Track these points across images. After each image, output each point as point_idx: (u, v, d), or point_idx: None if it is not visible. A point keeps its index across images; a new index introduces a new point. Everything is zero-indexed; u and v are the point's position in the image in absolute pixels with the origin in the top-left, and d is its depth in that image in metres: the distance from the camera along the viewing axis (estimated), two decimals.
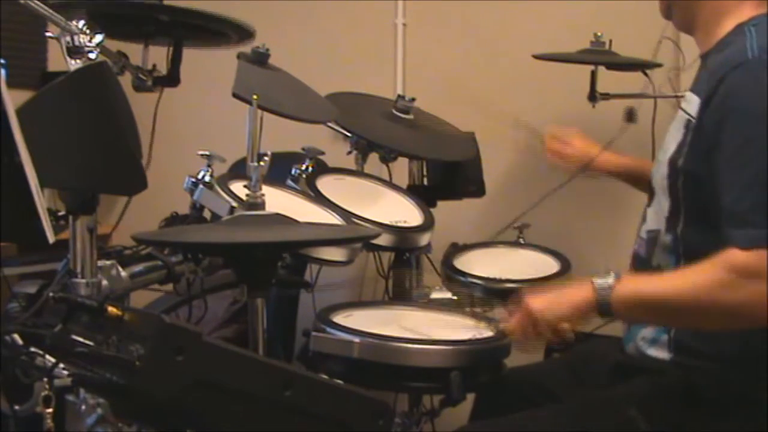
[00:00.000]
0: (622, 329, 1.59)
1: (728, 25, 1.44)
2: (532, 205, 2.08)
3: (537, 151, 2.10)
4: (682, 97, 1.53)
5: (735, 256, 1.29)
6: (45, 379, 1.26)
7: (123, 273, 1.59)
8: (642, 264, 1.52)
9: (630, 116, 2.30)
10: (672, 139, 1.47)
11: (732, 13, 1.45)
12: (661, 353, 1.46)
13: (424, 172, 2.42)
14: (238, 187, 1.71)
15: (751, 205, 1.30)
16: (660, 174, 1.49)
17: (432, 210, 2.12)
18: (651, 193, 1.56)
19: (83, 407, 1.42)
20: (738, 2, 1.45)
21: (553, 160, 2.07)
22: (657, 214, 1.51)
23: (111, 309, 1.12)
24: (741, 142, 1.32)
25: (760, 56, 1.34)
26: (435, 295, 2.06)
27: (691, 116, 1.41)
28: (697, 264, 1.33)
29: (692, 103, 1.43)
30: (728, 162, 1.34)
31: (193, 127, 3.04)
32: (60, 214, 1.53)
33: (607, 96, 2.44)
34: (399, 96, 2.28)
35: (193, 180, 1.77)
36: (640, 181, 1.86)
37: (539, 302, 1.46)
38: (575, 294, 1.43)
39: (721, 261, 1.30)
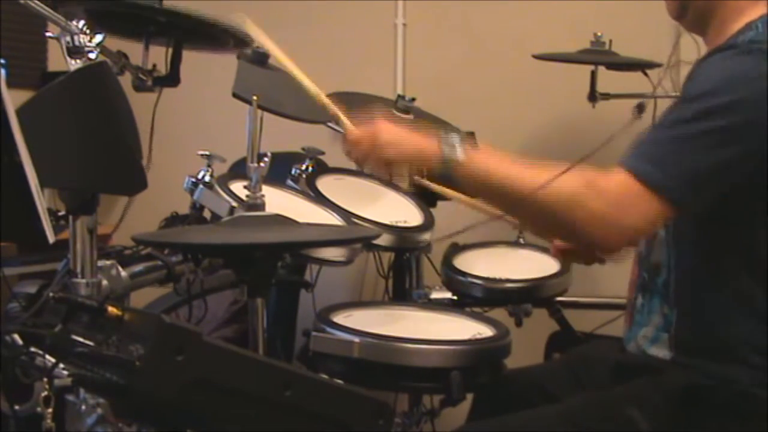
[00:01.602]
0: (623, 330, 1.59)
1: (740, 23, 1.44)
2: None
3: None
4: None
5: (598, 176, 1.31)
6: (45, 379, 1.26)
7: (123, 273, 1.59)
8: (643, 261, 1.52)
9: (640, 109, 2.29)
10: None
11: (747, 12, 1.44)
12: (661, 352, 1.46)
13: (424, 172, 2.42)
14: (238, 187, 1.71)
15: (654, 141, 1.32)
16: None
17: (432, 210, 2.11)
18: None
19: (83, 407, 1.41)
20: (754, 2, 1.45)
21: None
22: None
23: (111, 309, 1.12)
24: (684, 105, 1.34)
25: (747, 44, 1.35)
26: (435, 295, 2.07)
27: None
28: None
29: None
30: (663, 113, 1.36)
31: (193, 127, 3.04)
32: (60, 214, 1.53)
33: (607, 96, 2.45)
34: (399, 96, 2.28)
35: (193, 180, 1.77)
36: None
37: (387, 133, 1.46)
38: (423, 139, 1.42)
39: (581, 175, 1.31)
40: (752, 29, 1.40)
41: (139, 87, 1.72)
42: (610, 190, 1.30)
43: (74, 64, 1.42)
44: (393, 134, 1.46)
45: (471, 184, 1.44)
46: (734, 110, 1.30)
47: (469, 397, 1.65)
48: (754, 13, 1.44)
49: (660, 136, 1.33)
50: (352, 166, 2.27)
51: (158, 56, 1.77)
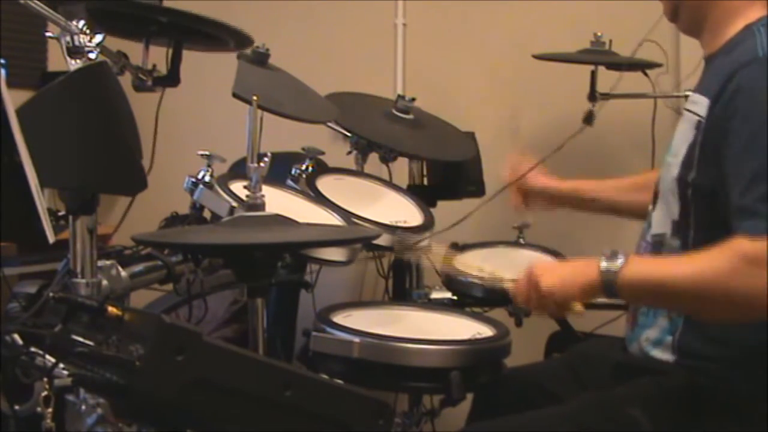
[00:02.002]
0: (624, 329, 1.59)
1: (737, 26, 1.44)
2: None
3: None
4: (681, 97, 1.52)
5: (743, 244, 1.28)
6: (45, 379, 1.26)
7: (123, 273, 1.59)
8: None
9: (588, 119, 2.30)
10: (682, 141, 1.45)
11: (742, 13, 1.44)
12: (665, 355, 1.46)
13: (424, 172, 2.42)
14: (238, 187, 1.71)
15: (759, 196, 1.29)
16: (670, 176, 1.47)
17: (432, 210, 2.11)
18: (655, 197, 1.55)
19: (83, 407, 1.41)
20: (748, 3, 1.44)
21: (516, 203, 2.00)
22: (663, 218, 1.50)
23: (111, 309, 1.12)
24: (748, 136, 1.32)
25: None
26: (435, 295, 2.07)
27: (701, 117, 1.41)
28: (703, 251, 1.33)
29: (700, 104, 1.42)
30: (735, 156, 1.34)
31: (193, 127, 3.04)
32: (60, 214, 1.53)
33: (607, 96, 2.44)
34: (399, 96, 2.28)
35: (193, 180, 1.76)
36: (590, 205, 1.90)
37: (549, 279, 1.44)
38: (582, 275, 1.42)
39: (729, 248, 1.29)
40: (754, 33, 1.39)
41: (139, 87, 1.72)
42: (759, 254, 1.27)
43: (74, 64, 1.42)
44: (552, 279, 1.45)
45: (640, 297, 1.45)
46: None
47: (470, 396, 1.65)
48: (750, 14, 1.43)
49: (759, 187, 1.30)
50: (352, 166, 2.28)
51: (158, 56, 1.77)
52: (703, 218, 1.43)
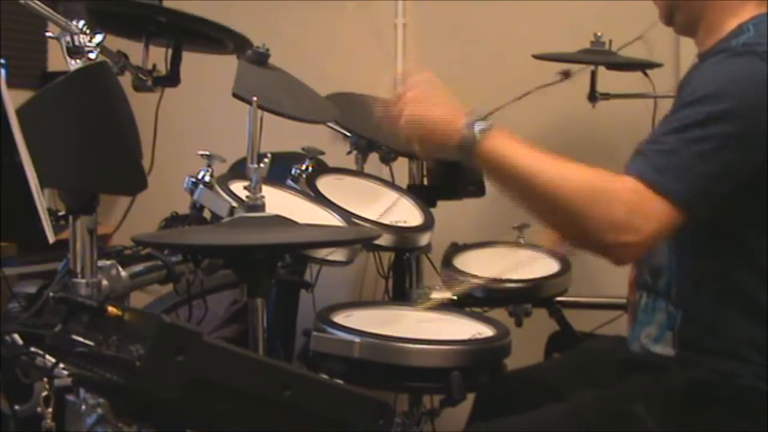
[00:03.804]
0: (627, 329, 1.59)
1: (730, 25, 1.44)
2: None
3: None
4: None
5: (626, 181, 1.30)
6: (45, 379, 1.26)
7: (123, 273, 1.59)
8: (644, 263, 1.52)
9: (566, 75, 2.30)
10: None
11: (736, 12, 1.45)
12: (665, 350, 1.46)
13: (424, 172, 2.42)
14: (238, 187, 1.71)
15: (653, 142, 1.32)
16: None
17: (432, 210, 2.12)
18: None
19: (83, 407, 1.41)
20: (743, 2, 1.45)
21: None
22: None
23: (111, 309, 1.12)
24: (685, 110, 1.34)
25: (742, 47, 1.36)
26: (435, 295, 2.07)
27: None
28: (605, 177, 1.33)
29: None
30: (664, 119, 1.36)
31: (193, 127, 3.04)
32: (60, 214, 1.53)
33: (607, 96, 2.45)
34: None
35: (193, 180, 1.76)
36: None
37: (419, 92, 1.43)
38: (448, 116, 1.40)
39: (623, 179, 1.30)
40: (744, 32, 1.40)
41: (139, 87, 1.72)
42: (624, 198, 1.29)
43: (74, 64, 1.42)
44: (421, 101, 1.42)
45: (488, 167, 1.40)
46: (736, 115, 1.30)
47: (470, 396, 1.65)
48: (745, 13, 1.44)
49: (666, 142, 1.33)
50: (352, 166, 2.28)
51: (158, 56, 1.77)
52: None
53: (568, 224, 1.34)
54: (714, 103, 1.31)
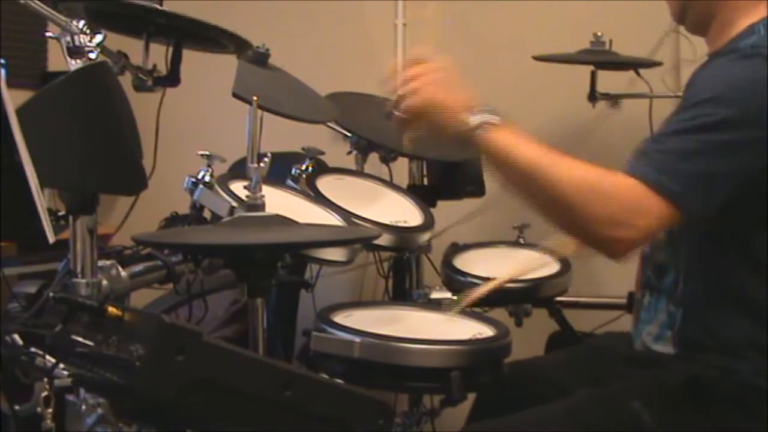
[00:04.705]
0: (626, 327, 1.59)
1: (742, 25, 1.44)
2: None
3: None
4: (681, 97, 1.53)
5: (619, 177, 1.31)
6: (45, 379, 1.26)
7: (123, 273, 1.59)
8: (648, 261, 1.53)
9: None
10: None
11: (749, 12, 1.44)
12: (665, 348, 1.47)
13: (424, 172, 2.42)
14: (238, 187, 1.70)
15: (661, 150, 1.32)
16: None
17: (432, 210, 2.11)
18: None
19: (83, 407, 1.41)
20: (755, 2, 1.45)
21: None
22: None
23: (111, 309, 1.12)
24: (688, 112, 1.34)
25: (750, 49, 1.36)
26: (435, 295, 2.07)
27: None
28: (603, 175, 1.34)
29: None
30: (668, 119, 1.37)
31: (193, 127, 3.04)
32: (60, 214, 1.53)
33: (607, 96, 2.45)
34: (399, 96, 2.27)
35: (193, 180, 1.76)
36: None
37: (433, 80, 1.48)
38: (459, 102, 1.43)
39: (623, 177, 1.31)
40: (755, 32, 1.40)
41: (139, 87, 1.72)
42: (622, 194, 1.30)
43: (74, 64, 1.42)
44: (441, 76, 1.47)
45: (490, 156, 1.41)
46: (740, 119, 1.30)
47: (470, 396, 1.65)
48: (756, 14, 1.43)
49: (668, 143, 1.33)
50: (352, 166, 2.28)
51: (158, 56, 1.77)
52: None
53: (565, 217, 1.35)
54: (718, 107, 1.31)
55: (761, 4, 1.44)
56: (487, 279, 2.04)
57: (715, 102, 1.32)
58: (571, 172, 1.33)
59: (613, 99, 2.41)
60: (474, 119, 1.39)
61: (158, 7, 1.62)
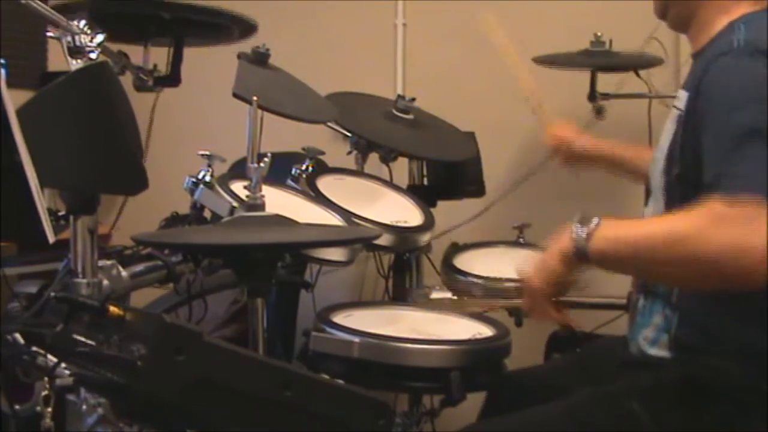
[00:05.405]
0: (626, 328, 1.59)
1: (722, 23, 1.46)
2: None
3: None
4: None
5: (715, 204, 1.26)
6: (45, 379, 1.26)
7: (123, 273, 1.59)
8: None
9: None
10: (666, 137, 1.48)
11: (728, 11, 1.46)
12: (661, 352, 1.46)
13: (424, 172, 2.42)
14: (239, 187, 1.71)
15: (729, 166, 1.28)
16: (657, 171, 1.50)
17: (432, 210, 2.12)
18: (647, 194, 1.56)
19: (84, 407, 1.41)
20: (734, 1, 1.46)
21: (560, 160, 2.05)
22: (654, 215, 1.51)
23: (112, 309, 1.12)
24: (724, 123, 1.32)
25: (746, 46, 1.36)
26: (435, 295, 2.07)
27: (682, 111, 1.42)
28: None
29: (681, 99, 1.44)
30: (711, 143, 1.34)
31: (193, 127, 3.04)
32: (60, 214, 1.53)
33: (607, 96, 2.45)
34: (399, 96, 2.28)
35: (194, 180, 1.77)
36: (624, 167, 1.92)
37: (533, 276, 1.44)
38: (556, 249, 1.40)
39: (703, 207, 1.27)
40: (735, 30, 1.40)
41: (140, 87, 1.72)
42: (746, 225, 1.23)
43: (75, 64, 1.42)
44: (535, 273, 1.44)
45: (607, 257, 1.38)
46: None
47: (470, 396, 1.65)
48: (735, 12, 1.45)
49: (744, 156, 1.28)
50: (352, 166, 2.28)
51: (159, 56, 1.77)
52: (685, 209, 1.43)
53: (708, 273, 1.28)
54: (758, 105, 1.29)
55: (739, 3, 1.45)
56: (487, 279, 2.06)
57: (753, 101, 1.29)
58: (700, 235, 1.26)
59: (599, 107, 2.41)
60: (575, 240, 1.36)
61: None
